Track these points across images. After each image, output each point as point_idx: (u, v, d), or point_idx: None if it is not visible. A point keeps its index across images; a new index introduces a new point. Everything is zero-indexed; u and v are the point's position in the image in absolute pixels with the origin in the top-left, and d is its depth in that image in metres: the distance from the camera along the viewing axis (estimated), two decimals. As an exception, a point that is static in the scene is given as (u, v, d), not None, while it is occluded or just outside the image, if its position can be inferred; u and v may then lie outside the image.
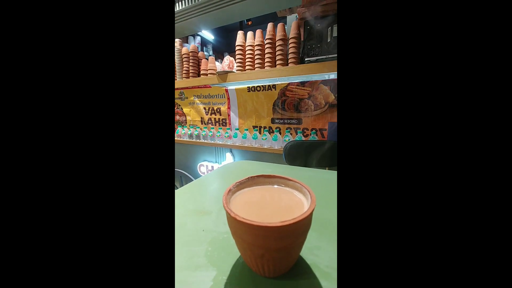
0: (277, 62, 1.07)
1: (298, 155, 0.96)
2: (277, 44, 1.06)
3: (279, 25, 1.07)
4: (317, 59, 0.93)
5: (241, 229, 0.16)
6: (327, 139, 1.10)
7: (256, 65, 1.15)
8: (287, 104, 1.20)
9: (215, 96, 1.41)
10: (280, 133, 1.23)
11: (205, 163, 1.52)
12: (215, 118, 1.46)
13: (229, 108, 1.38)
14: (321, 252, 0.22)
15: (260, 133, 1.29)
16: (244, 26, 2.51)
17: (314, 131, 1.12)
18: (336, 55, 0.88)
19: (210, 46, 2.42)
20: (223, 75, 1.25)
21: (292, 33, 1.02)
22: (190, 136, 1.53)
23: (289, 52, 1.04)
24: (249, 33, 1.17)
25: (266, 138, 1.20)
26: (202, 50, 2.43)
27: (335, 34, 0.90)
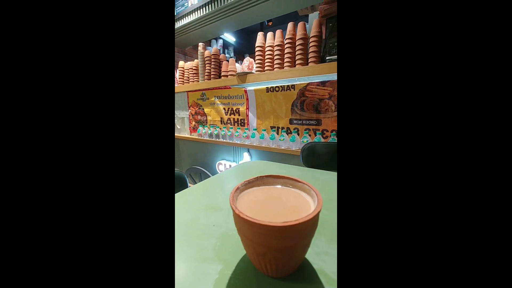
0: (297, 62, 1.06)
1: (316, 157, 0.93)
2: (297, 44, 1.05)
3: (300, 24, 1.05)
4: (339, 57, 0.89)
5: (245, 227, 0.17)
6: (348, 142, 1.04)
7: (275, 66, 1.14)
8: (306, 104, 1.17)
9: (234, 96, 1.45)
10: (298, 134, 1.20)
11: (223, 161, 1.57)
12: (234, 118, 1.50)
13: (247, 108, 1.40)
14: (329, 258, 0.22)
15: (277, 133, 1.29)
16: (264, 27, 2.52)
17: (334, 132, 1.07)
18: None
19: (231, 48, 2.49)
20: (243, 76, 1.27)
21: (313, 31, 1.00)
22: (210, 135, 1.59)
23: (310, 51, 1.01)
24: (269, 34, 1.17)
25: (283, 139, 1.19)
26: (224, 52, 2.52)
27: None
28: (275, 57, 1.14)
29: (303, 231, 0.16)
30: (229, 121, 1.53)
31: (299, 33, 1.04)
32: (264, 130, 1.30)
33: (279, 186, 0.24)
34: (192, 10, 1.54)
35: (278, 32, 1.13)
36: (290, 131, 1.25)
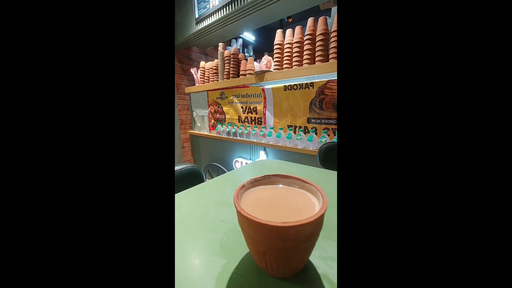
0: (317, 59, 1.02)
1: (334, 158, 0.88)
2: (317, 40, 1.01)
3: (321, 19, 1.00)
4: (362, 52, 0.83)
5: (246, 224, 0.17)
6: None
7: (294, 63, 1.12)
8: (326, 103, 1.12)
9: (252, 95, 1.45)
10: (316, 134, 1.16)
11: (240, 159, 1.59)
12: (251, 117, 1.51)
13: (265, 107, 1.40)
14: (336, 264, 0.21)
15: (294, 132, 1.26)
16: (284, 24, 2.47)
17: (355, 132, 1.00)
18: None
19: (250, 47, 2.50)
20: (260, 75, 1.27)
21: (334, 25, 0.95)
22: (228, 133, 1.63)
23: (331, 46, 0.96)
24: (288, 31, 1.15)
25: (300, 138, 1.16)
26: (243, 51, 2.54)
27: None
28: (294, 54, 1.11)
29: (303, 233, 0.15)
30: (246, 120, 1.55)
31: (320, 28, 1.00)
32: (281, 129, 1.28)
33: (285, 186, 0.23)
34: (213, 12, 1.59)
35: (297, 28, 1.10)
36: (308, 130, 1.21)
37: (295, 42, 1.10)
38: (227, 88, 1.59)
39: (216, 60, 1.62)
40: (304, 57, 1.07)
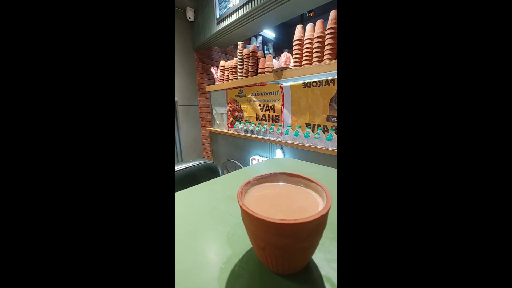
0: (338, 54, 0.96)
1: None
2: (339, 33, 0.95)
3: (344, 11, 0.95)
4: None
5: (246, 218, 0.17)
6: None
7: (314, 59, 1.08)
8: (347, 100, 1.06)
9: (270, 93, 1.45)
10: (335, 133, 1.11)
11: (256, 157, 1.61)
12: (269, 115, 1.51)
13: (282, 105, 1.38)
14: (341, 267, 0.20)
15: (313, 131, 1.22)
16: (305, 19, 2.38)
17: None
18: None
19: (270, 45, 2.48)
20: (279, 72, 1.26)
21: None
22: (246, 131, 1.65)
23: (354, 40, 0.90)
24: (309, 26, 1.11)
25: (319, 137, 1.12)
26: (263, 49, 2.53)
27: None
28: (314, 50, 1.07)
29: (302, 232, 0.15)
30: (264, 118, 1.55)
31: (343, 21, 0.94)
32: (299, 127, 1.26)
33: (291, 185, 0.23)
34: (234, 11, 1.61)
35: (318, 22, 1.05)
36: (327, 129, 1.16)
37: (316, 37, 1.06)
38: (246, 86, 1.60)
39: (235, 59, 1.64)
40: (325, 52, 1.02)
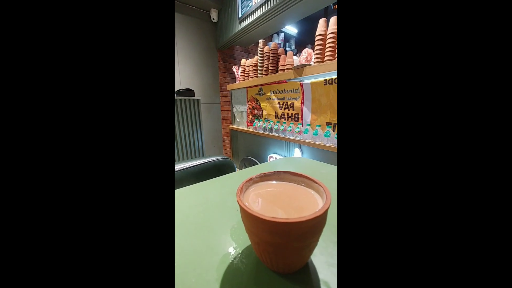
0: (364, 47, 0.89)
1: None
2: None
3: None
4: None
5: (242, 213, 0.18)
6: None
7: (337, 54, 1.02)
8: (374, 97, 0.98)
9: (290, 91, 1.42)
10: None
11: (274, 155, 1.60)
12: (288, 113, 1.48)
13: (302, 103, 1.34)
14: (341, 272, 0.19)
15: (334, 130, 1.16)
16: (329, 12, 2.25)
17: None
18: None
19: (292, 41, 2.41)
20: (299, 69, 1.22)
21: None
22: (264, 129, 1.66)
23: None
24: (332, 19, 1.05)
25: (340, 137, 1.06)
26: (284, 46, 2.48)
27: None
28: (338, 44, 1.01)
29: (293, 231, 0.15)
30: (283, 116, 1.53)
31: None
32: (319, 126, 1.21)
33: (293, 184, 0.23)
34: (256, 8, 1.61)
35: (343, 15, 0.99)
36: (350, 128, 1.09)
37: (339, 31, 1.00)
38: (265, 84, 1.60)
39: (256, 57, 1.65)
40: (349, 46, 0.96)
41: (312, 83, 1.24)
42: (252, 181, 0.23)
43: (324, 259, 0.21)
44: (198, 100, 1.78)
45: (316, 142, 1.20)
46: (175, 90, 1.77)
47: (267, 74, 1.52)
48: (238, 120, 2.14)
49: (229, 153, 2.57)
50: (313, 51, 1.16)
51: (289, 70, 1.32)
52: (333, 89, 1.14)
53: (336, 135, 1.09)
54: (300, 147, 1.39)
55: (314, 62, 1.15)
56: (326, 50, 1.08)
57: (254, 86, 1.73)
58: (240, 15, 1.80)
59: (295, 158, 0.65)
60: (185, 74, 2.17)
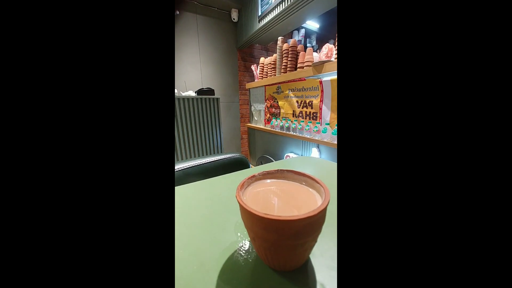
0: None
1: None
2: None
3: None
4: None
5: (240, 208, 0.18)
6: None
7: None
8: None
9: (308, 89, 1.38)
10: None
11: (291, 154, 1.58)
12: (306, 112, 1.44)
13: (321, 101, 1.29)
14: (340, 276, 0.19)
15: (355, 130, 1.10)
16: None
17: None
18: None
19: (314, 37, 2.32)
20: (319, 66, 1.18)
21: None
22: (282, 127, 1.64)
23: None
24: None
25: (361, 137, 1.00)
26: (305, 42, 2.41)
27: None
28: (361, 38, 0.95)
29: (286, 229, 0.15)
30: (301, 114, 1.49)
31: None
32: (338, 125, 1.15)
33: (295, 183, 0.23)
34: (275, 5, 1.59)
35: (368, 6, 0.92)
36: (373, 128, 1.02)
37: (363, 23, 0.93)
38: (283, 82, 1.58)
39: (275, 55, 1.63)
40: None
41: (332, 80, 1.19)
42: (254, 178, 0.23)
43: (324, 261, 0.20)
44: (217, 99, 1.84)
45: (335, 142, 1.15)
46: (197, 89, 1.86)
47: (286, 72, 1.50)
48: (255, 119, 2.15)
49: (246, 151, 2.60)
50: (335, 46, 1.11)
51: (308, 67, 1.28)
52: (355, 86, 1.07)
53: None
54: (318, 147, 1.34)
55: (335, 58, 1.09)
56: (349, 44, 1.02)
57: (272, 84, 1.72)
58: (259, 13, 1.80)
59: (311, 158, 0.63)
60: (206, 74, 2.26)
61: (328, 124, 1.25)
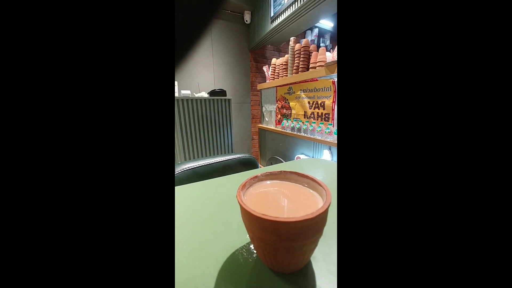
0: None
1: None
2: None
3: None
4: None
5: (241, 208, 0.19)
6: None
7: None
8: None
9: (321, 89, 1.35)
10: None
11: (302, 156, 1.55)
12: (317, 113, 1.41)
13: (334, 102, 1.26)
14: (341, 282, 0.18)
15: (369, 132, 1.05)
16: None
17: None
18: None
19: (327, 36, 2.27)
20: (332, 66, 1.15)
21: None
22: (292, 129, 1.62)
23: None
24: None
25: (376, 140, 0.95)
26: (318, 42, 2.36)
27: None
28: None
29: (283, 231, 0.15)
30: (312, 115, 1.46)
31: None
32: (351, 127, 1.11)
33: (298, 185, 0.22)
34: (288, 6, 1.58)
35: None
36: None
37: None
38: (295, 83, 1.56)
39: (286, 55, 1.62)
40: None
41: (345, 80, 1.15)
42: (257, 179, 0.23)
43: (326, 266, 0.20)
44: (229, 100, 1.87)
45: (348, 144, 1.11)
46: (209, 90, 1.90)
47: (297, 73, 1.48)
48: (266, 119, 2.15)
49: (257, 152, 2.61)
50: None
51: (320, 68, 1.25)
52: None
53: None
54: (329, 149, 1.30)
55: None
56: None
57: (283, 85, 1.71)
58: (272, 14, 1.80)
59: (320, 160, 0.62)
60: (218, 76, 2.31)
61: (340, 125, 1.21)
